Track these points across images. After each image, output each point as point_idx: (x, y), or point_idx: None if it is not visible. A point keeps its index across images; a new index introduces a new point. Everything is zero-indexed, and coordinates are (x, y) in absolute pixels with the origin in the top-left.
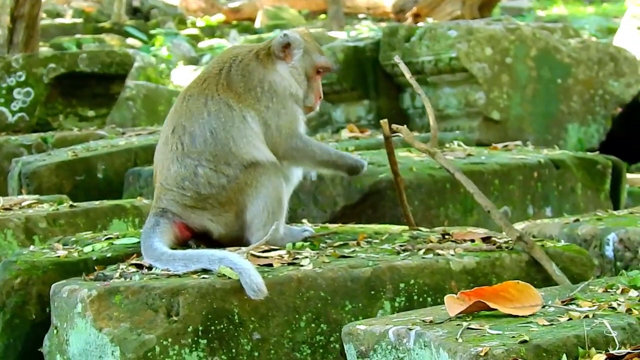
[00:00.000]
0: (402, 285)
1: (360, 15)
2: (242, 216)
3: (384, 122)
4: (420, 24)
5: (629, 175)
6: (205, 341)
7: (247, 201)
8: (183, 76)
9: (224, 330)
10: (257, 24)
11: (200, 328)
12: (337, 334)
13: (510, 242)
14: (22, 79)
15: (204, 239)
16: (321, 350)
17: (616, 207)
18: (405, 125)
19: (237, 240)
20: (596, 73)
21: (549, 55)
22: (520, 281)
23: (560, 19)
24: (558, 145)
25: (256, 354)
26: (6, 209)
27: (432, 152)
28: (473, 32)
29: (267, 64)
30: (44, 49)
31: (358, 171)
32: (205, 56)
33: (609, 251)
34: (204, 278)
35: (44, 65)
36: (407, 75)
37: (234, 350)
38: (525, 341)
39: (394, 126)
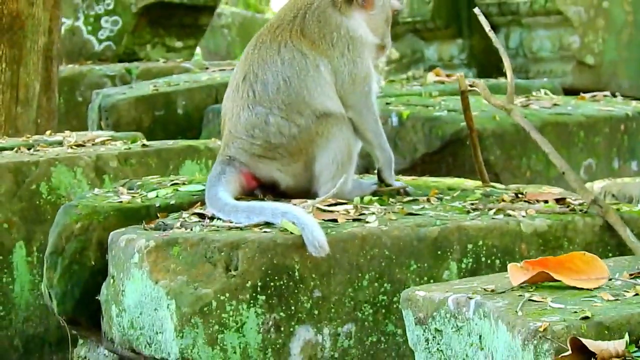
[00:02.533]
0: (469, 246)
1: None
2: (310, 167)
3: (460, 75)
4: None
5: None
6: (263, 297)
7: (317, 152)
8: (283, 3)
9: (283, 287)
10: None
11: (259, 284)
12: (401, 294)
13: (584, 204)
14: (111, 7)
15: (271, 189)
16: (383, 311)
17: None
18: (483, 81)
19: (304, 191)
20: None
21: None
22: (587, 252)
23: None
24: None
25: (316, 312)
26: (78, 145)
27: (508, 108)
28: None
29: (344, 11)
30: None
31: (389, 167)
32: None
33: None
34: (265, 232)
35: None
36: (487, 28)
37: (293, 308)
38: (587, 317)
39: (471, 80)
